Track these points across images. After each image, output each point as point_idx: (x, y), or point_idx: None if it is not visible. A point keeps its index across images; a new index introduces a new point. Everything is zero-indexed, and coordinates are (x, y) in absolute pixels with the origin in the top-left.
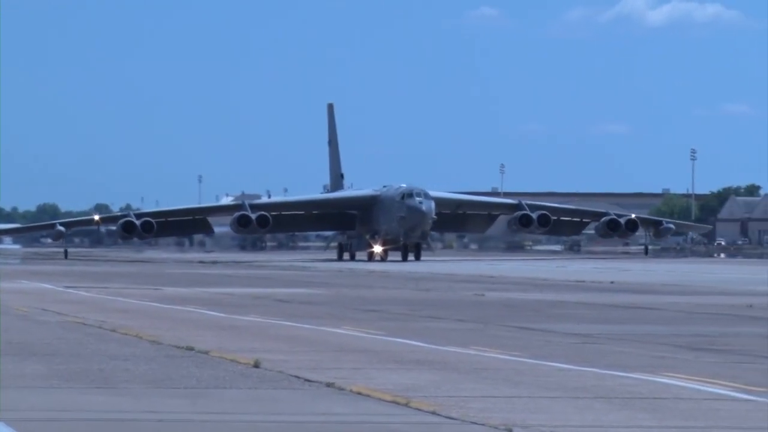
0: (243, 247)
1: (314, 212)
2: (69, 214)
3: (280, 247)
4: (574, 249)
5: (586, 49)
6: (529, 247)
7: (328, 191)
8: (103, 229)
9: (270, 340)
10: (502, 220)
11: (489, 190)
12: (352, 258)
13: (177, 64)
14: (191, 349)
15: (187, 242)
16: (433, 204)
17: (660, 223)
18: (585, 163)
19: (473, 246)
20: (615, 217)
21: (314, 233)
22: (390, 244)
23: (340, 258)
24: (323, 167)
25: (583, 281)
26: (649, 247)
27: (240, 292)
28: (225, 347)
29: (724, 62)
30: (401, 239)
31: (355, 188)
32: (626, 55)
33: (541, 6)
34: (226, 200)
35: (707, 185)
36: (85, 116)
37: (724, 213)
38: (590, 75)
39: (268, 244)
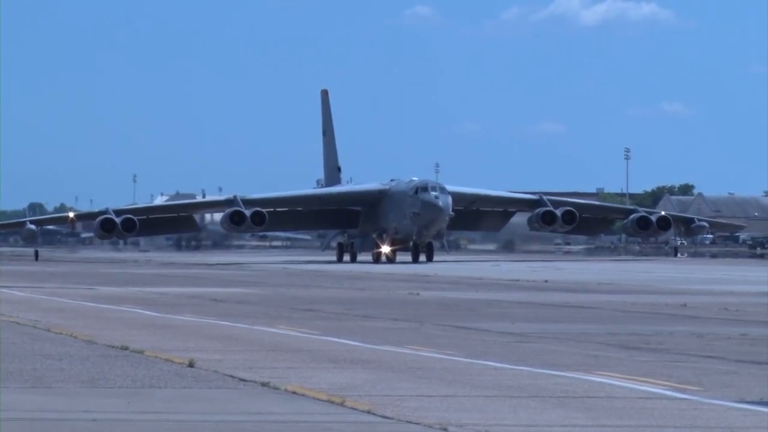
0: (178, 247)
1: (314, 209)
2: (4, 214)
3: (215, 246)
4: (507, 248)
5: (522, 48)
6: (464, 246)
7: (321, 186)
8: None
9: (205, 340)
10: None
11: None
12: (353, 259)
13: (112, 59)
14: (126, 348)
15: (121, 242)
16: (450, 199)
17: (691, 221)
18: (519, 162)
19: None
20: (645, 214)
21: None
22: (400, 243)
23: (339, 260)
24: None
25: (518, 280)
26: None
27: (174, 292)
28: (160, 347)
29: (659, 61)
30: (413, 238)
31: (355, 182)
32: (561, 55)
33: (476, 5)
34: (160, 199)
35: (641, 184)
36: (17, 114)
37: None
38: (525, 74)
39: (204, 243)
